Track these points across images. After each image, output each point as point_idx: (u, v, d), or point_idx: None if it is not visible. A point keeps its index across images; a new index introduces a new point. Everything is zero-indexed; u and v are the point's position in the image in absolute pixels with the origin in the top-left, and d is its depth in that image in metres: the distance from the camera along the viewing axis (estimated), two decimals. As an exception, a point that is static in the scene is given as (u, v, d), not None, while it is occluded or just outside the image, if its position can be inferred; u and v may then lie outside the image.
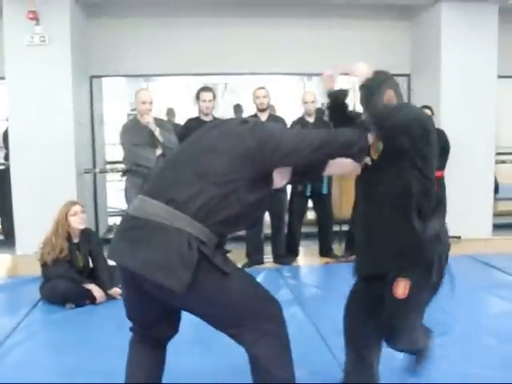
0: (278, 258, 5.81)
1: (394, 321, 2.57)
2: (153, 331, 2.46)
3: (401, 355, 3.10)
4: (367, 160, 2.53)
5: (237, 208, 2.20)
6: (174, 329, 2.53)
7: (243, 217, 2.28)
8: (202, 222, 2.14)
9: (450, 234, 6.45)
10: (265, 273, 5.35)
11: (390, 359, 3.04)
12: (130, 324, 2.52)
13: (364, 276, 2.68)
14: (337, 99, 2.72)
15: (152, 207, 2.18)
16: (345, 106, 2.74)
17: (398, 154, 2.44)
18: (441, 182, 6.12)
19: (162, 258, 2.09)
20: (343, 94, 2.71)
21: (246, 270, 5.51)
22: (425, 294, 2.59)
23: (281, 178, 2.43)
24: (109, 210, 7.95)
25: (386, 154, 2.49)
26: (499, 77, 6.80)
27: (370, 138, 2.45)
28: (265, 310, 2.32)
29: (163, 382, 2.55)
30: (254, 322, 2.27)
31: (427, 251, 2.49)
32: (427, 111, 6.13)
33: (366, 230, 2.62)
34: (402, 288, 2.47)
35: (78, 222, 4.50)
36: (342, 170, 2.68)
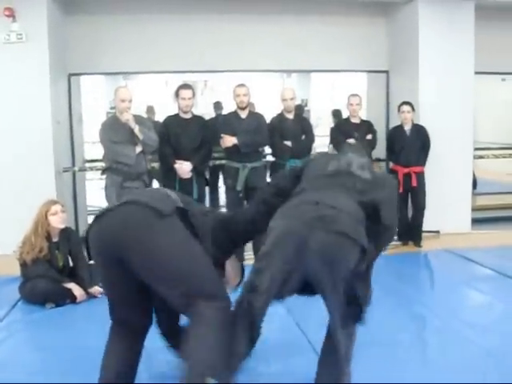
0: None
1: None
2: (129, 315, 2.53)
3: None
4: None
5: None
6: (148, 317, 2.60)
7: None
8: None
9: (429, 228, 6.57)
10: (245, 270, 5.35)
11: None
12: (109, 323, 2.53)
13: None
14: None
15: None
16: None
17: None
18: (420, 178, 6.18)
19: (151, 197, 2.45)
20: None
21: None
22: None
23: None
24: (88, 208, 7.89)
25: None
26: (476, 73, 6.87)
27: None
28: (217, 286, 2.42)
29: (164, 381, 2.55)
30: (207, 291, 2.33)
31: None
32: (407, 107, 6.19)
33: None
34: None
35: (58, 221, 4.47)
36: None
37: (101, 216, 2.48)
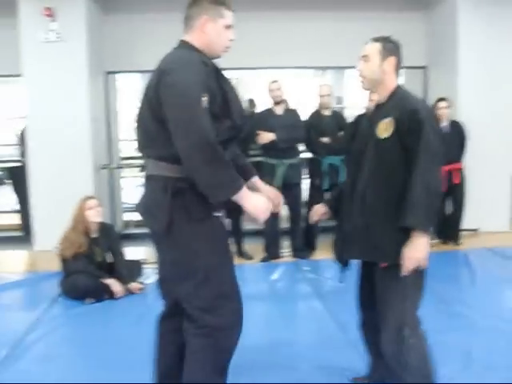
0: (295, 252, 5.80)
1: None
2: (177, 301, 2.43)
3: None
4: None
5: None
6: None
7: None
8: (165, 160, 2.22)
9: (468, 226, 6.43)
10: (283, 267, 5.35)
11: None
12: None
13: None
14: None
15: (148, 163, 2.36)
16: None
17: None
18: (461, 174, 6.08)
19: (147, 205, 2.32)
20: None
21: (264, 264, 5.55)
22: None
23: None
24: (125, 205, 7.98)
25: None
26: (518, 67, 6.73)
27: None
28: (221, 302, 2.28)
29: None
30: (202, 308, 2.25)
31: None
32: (444, 103, 6.09)
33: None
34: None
35: (94, 215, 4.54)
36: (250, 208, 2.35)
37: None
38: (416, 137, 2.31)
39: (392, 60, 2.49)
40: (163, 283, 2.47)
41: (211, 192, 2.12)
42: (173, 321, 2.45)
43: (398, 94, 2.47)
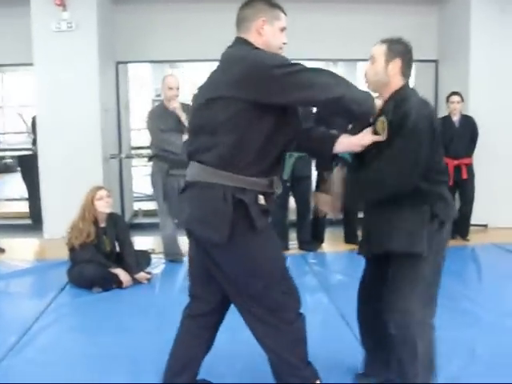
0: (303, 245, 5.80)
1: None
2: (207, 305, 2.51)
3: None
4: (377, 137, 2.41)
5: (255, 140, 2.19)
6: (225, 307, 2.57)
7: (266, 151, 2.24)
8: (229, 170, 2.20)
9: (477, 222, 6.41)
10: (290, 259, 5.32)
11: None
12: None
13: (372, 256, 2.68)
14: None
15: (193, 168, 2.31)
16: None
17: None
18: (470, 169, 6.05)
19: (202, 213, 2.24)
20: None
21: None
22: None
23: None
24: (134, 195, 8.01)
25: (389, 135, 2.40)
26: (530, 62, 6.67)
27: (378, 103, 2.41)
28: (283, 295, 2.35)
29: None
30: (269, 308, 2.32)
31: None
32: (456, 97, 6.05)
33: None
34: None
35: (104, 206, 4.55)
36: (347, 147, 2.52)
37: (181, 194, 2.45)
38: (399, 137, 2.33)
39: (397, 62, 2.45)
40: (208, 284, 2.48)
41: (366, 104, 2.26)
42: (205, 319, 2.55)
43: (400, 95, 2.45)
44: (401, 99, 2.41)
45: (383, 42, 2.50)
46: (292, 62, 2.24)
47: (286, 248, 5.75)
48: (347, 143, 2.47)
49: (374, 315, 2.61)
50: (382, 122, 2.39)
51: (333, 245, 6.03)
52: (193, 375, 2.59)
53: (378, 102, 2.42)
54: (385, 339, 2.59)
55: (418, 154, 2.32)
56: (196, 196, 2.28)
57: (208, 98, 2.25)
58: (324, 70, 2.27)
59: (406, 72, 2.49)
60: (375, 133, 2.42)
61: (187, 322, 2.57)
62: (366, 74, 2.55)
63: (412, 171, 2.33)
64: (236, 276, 2.32)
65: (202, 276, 2.48)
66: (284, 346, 2.37)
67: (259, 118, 2.18)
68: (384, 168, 2.36)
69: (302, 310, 2.42)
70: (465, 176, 5.97)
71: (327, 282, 4.70)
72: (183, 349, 2.56)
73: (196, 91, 2.42)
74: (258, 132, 2.19)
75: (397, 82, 2.47)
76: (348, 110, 2.22)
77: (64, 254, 4.67)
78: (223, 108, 2.18)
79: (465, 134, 6.03)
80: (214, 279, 2.41)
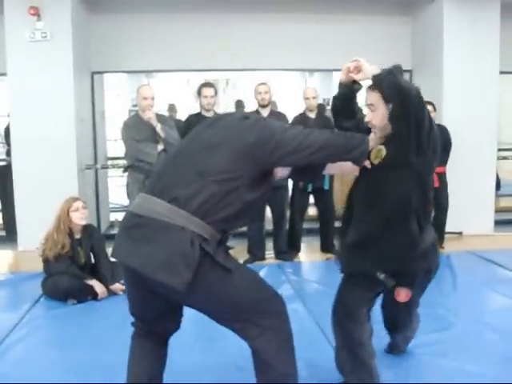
0: (279, 254, 5.81)
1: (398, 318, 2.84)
2: (155, 326, 2.47)
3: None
4: (367, 164, 2.52)
5: (238, 206, 2.21)
6: (176, 324, 2.55)
7: (244, 213, 2.28)
8: (203, 219, 2.15)
9: (452, 229, 6.49)
10: (266, 269, 5.36)
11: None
12: (131, 319, 2.54)
13: (353, 274, 2.73)
14: (350, 92, 2.63)
15: (155, 205, 2.19)
16: (354, 100, 2.69)
17: (400, 161, 2.46)
18: (443, 178, 6.11)
19: (164, 256, 2.10)
20: (358, 87, 2.64)
21: (248, 265, 5.55)
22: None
23: (281, 170, 2.45)
24: (110, 205, 7.96)
25: (387, 160, 2.49)
26: (501, 73, 6.78)
27: (372, 142, 2.46)
28: (268, 305, 2.35)
29: (164, 379, 2.56)
30: (257, 317, 2.29)
31: (428, 259, 2.54)
32: (428, 107, 6.12)
33: (362, 232, 2.62)
34: (404, 296, 2.57)
35: (79, 217, 4.51)
36: (341, 170, 2.69)
37: (127, 229, 2.28)
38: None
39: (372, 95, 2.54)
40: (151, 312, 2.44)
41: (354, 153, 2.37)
42: (155, 336, 2.50)
43: None
44: None
45: (373, 88, 2.51)
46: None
47: (263, 258, 5.76)
48: (338, 167, 2.56)
49: None
50: (377, 151, 2.48)
51: (309, 254, 6.05)
52: None
53: (372, 136, 2.48)
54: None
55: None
56: (158, 237, 2.14)
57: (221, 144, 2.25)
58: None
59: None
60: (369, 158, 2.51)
61: (138, 341, 2.52)
62: (372, 121, 2.56)
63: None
64: (207, 312, 2.33)
65: (146, 311, 2.44)
66: (274, 352, 2.34)
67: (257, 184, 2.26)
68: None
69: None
70: (437, 185, 6.02)
71: (303, 291, 4.71)
72: (141, 369, 2.49)
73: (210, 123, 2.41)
74: (250, 193, 2.24)
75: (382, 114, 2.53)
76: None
77: (38, 265, 4.61)
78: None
79: (438, 143, 6.10)
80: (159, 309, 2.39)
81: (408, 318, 3.03)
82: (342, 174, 2.73)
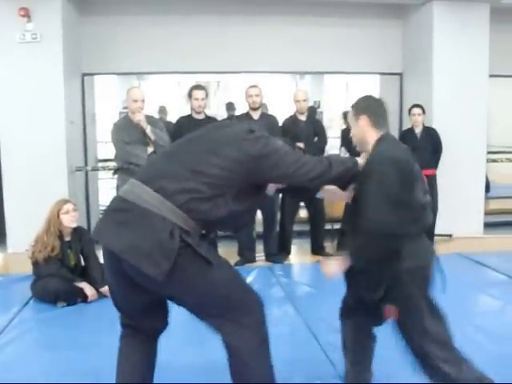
0: (270, 256, 5.82)
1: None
2: (141, 322, 2.46)
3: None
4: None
5: (222, 212, 2.25)
6: (163, 322, 2.54)
7: (228, 220, 2.32)
8: (186, 213, 2.19)
9: (442, 232, 6.51)
10: (257, 271, 5.36)
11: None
12: (119, 323, 2.53)
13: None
14: None
15: (142, 192, 2.23)
16: None
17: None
18: (432, 181, 6.14)
19: (144, 244, 2.13)
20: None
21: (238, 268, 5.55)
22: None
23: (274, 186, 2.52)
24: (101, 208, 7.92)
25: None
26: (490, 76, 6.83)
27: (360, 162, 2.53)
28: (246, 302, 2.35)
29: (155, 379, 2.55)
30: (234, 313, 2.29)
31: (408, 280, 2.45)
32: (417, 110, 6.16)
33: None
34: (392, 313, 2.47)
35: (69, 220, 4.49)
36: (335, 196, 2.71)
37: (113, 212, 2.31)
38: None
39: (364, 118, 2.55)
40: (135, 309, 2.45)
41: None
42: (143, 334, 2.49)
43: (376, 146, 2.52)
44: (376, 150, 2.50)
45: (351, 106, 2.64)
46: None
47: (253, 260, 5.76)
48: (329, 192, 2.62)
49: None
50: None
51: (299, 256, 6.06)
52: None
53: (361, 161, 2.51)
54: None
55: (389, 196, 2.33)
56: (140, 223, 2.17)
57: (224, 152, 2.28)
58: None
59: (378, 124, 2.56)
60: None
61: (126, 340, 2.51)
62: (352, 138, 2.66)
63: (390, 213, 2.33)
64: (186, 304, 2.33)
65: (128, 302, 2.44)
66: (250, 351, 2.32)
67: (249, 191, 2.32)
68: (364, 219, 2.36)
69: (268, 321, 2.41)
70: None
71: (294, 293, 4.71)
72: (129, 368, 2.49)
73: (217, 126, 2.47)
74: (237, 203, 2.28)
75: (372, 136, 2.55)
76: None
77: (28, 268, 4.59)
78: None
79: (426, 146, 6.13)
80: (144, 304, 2.39)
81: (421, 351, 2.51)
82: (335, 199, 2.76)
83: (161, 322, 2.53)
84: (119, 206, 2.28)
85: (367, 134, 2.56)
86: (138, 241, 2.14)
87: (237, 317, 2.29)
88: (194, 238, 2.20)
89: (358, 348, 2.77)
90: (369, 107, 2.58)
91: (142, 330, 2.48)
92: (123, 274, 2.26)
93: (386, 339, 2.69)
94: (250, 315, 2.32)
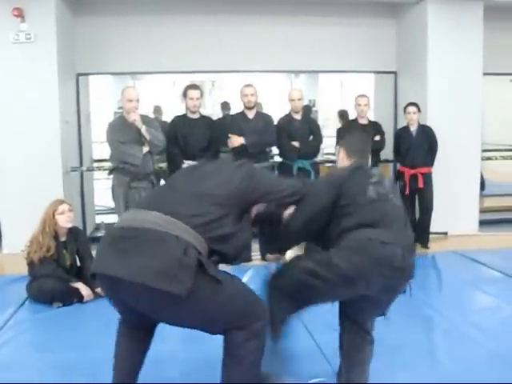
0: (265, 256, 5.80)
1: None
2: (141, 323, 2.51)
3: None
4: None
5: (226, 230, 2.32)
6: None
7: (231, 239, 2.37)
8: (200, 234, 2.23)
9: (437, 229, 6.53)
10: (252, 270, 5.36)
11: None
12: (117, 322, 2.54)
13: None
14: None
15: (149, 216, 2.24)
16: None
17: None
18: (428, 179, 6.15)
19: (159, 263, 2.10)
20: None
21: (234, 267, 5.54)
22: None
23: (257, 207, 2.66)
24: (96, 208, 7.92)
25: None
26: (485, 74, 6.84)
27: None
28: (255, 309, 2.39)
29: (156, 376, 2.57)
30: (246, 321, 2.33)
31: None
32: (413, 108, 6.17)
33: None
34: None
35: (65, 220, 4.48)
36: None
37: (113, 243, 2.26)
38: None
39: (341, 151, 2.99)
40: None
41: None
42: (141, 329, 2.55)
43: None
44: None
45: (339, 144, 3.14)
46: None
47: (249, 259, 5.74)
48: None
49: None
50: None
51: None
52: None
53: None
54: None
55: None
56: (152, 245, 2.15)
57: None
58: None
59: (351, 155, 2.93)
60: None
61: (123, 329, 2.58)
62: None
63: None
64: (195, 323, 2.36)
65: (127, 315, 2.50)
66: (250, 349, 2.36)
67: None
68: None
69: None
70: (421, 185, 6.07)
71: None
72: (126, 354, 2.55)
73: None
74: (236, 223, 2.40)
75: (345, 165, 2.91)
76: None
77: (23, 268, 4.58)
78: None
79: (422, 144, 6.15)
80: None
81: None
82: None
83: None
84: (119, 235, 2.26)
85: (341, 163, 2.95)
86: (151, 262, 2.11)
87: (247, 324, 2.33)
88: (204, 257, 2.23)
89: (354, 349, 2.77)
90: (345, 142, 3.06)
91: (141, 326, 2.54)
92: (124, 303, 2.32)
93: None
94: (259, 321, 2.37)
